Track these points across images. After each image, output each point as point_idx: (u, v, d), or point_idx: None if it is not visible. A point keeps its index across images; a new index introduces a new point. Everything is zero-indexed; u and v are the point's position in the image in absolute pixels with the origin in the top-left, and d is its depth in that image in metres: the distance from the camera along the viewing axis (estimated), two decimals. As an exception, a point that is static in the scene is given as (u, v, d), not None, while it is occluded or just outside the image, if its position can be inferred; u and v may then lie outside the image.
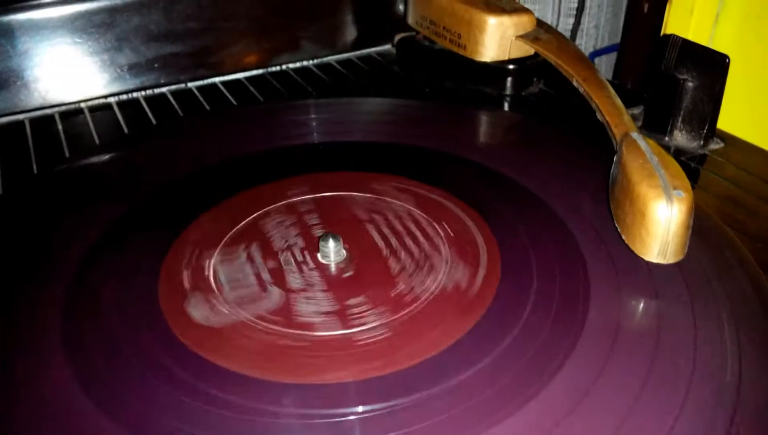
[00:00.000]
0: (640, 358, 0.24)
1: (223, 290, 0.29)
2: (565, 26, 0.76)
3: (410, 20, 0.52)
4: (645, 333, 0.25)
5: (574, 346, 0.25)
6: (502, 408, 0.22)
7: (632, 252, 0.28)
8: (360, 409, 0.23)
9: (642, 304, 0.27)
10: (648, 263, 0.28)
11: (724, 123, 0.42)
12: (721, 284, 0.28)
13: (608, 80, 0.38)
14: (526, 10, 0.46)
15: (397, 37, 0.55)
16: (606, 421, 0.22)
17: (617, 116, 0.34)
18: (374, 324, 0.27)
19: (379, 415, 0.22)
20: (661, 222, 0.26)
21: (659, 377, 0.23)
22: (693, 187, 0.38)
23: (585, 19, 0.77)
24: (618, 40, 0.81)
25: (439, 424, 0.22)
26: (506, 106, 0.48)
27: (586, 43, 0.79)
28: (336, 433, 0.22)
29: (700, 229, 0.30)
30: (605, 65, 0.82)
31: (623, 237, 0.29)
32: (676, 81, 0.41)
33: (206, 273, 0.30)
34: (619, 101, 0.36)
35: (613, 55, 0.81)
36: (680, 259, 0.27)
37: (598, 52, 0.80)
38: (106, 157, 0.40)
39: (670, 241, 0.27)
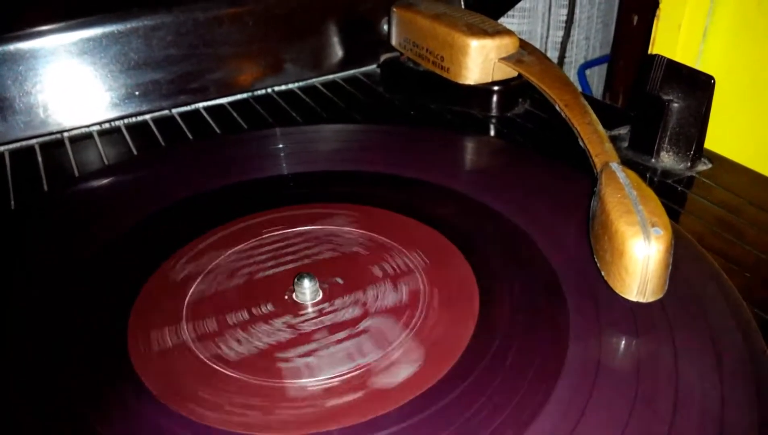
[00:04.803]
0: (620, 401, 0.24)
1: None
2: (555, 39, 0.76)
3: (394, 42, 0.52)
4: (626, 376, 0.25)
5: (553, 389, 0.24)
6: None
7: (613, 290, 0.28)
8: None
9: (623, 345, 0.26)
10: (629, 301, 0.27)
11: (711, 142, 0.41)
12: (704, 318, 0.27)
13: (595, 99, 0.38)
14: (509, 32, 0.45)
15: (382, 58, 0.54)
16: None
17: (598, 145, 0.33)
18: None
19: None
20: (639, 261, 0.26)
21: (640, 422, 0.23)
22: (680, 212, 0.37)
23: (575, 31, 0.76)
24: (609, 50, 0.80)
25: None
26: (492, 128, 0.47)
27: (576, 55, 0.78)
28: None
29: (683, 259, 0.29)
30: (597, 76, 0.82)
31: (603, 274, 0.28)
32: (661, 102, 0.40)
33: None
34: (601, 129, 0.35)
35: (605, 67, 0.80)
36: (660, 296, 0.27)
37: (589, 64, 0.79)
38: (88, 189, 0.40)
39: (648, 280, 0.26)
